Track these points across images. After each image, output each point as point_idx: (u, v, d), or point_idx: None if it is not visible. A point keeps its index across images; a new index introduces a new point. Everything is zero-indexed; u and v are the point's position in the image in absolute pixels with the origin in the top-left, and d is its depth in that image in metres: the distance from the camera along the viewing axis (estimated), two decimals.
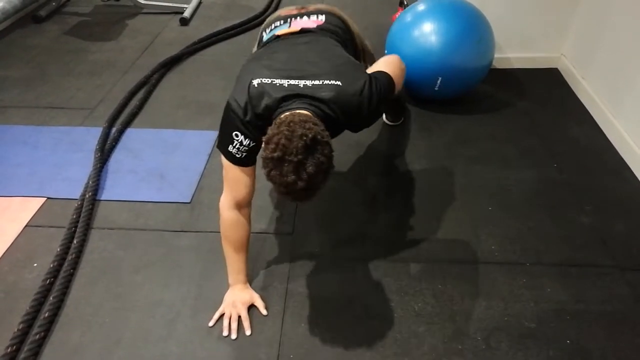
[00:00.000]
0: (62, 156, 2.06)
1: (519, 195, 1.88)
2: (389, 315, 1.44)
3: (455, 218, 1.77)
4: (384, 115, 2.26)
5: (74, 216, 1.75)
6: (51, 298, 1.48)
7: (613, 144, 2.13)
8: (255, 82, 1.25)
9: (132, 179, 1.95)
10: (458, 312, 1.45)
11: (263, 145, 1.13)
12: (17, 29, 3.19)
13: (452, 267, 1.59)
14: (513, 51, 2.68)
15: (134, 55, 2.89)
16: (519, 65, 2.71)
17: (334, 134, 1.27)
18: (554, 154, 2.08)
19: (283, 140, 1.07)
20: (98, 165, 1.96)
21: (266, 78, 1.26)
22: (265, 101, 1.22)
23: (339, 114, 1.25)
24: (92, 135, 2.15)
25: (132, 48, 2.97)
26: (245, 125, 1.25)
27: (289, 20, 1.55)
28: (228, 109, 1.28)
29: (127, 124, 2.26)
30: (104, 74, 2.68)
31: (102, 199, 1.86)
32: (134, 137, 2.19)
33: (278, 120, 1.14)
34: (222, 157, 1.33)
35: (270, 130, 1.12)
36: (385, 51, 2.41)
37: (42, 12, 3.30)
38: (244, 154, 1.29)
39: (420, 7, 2.31)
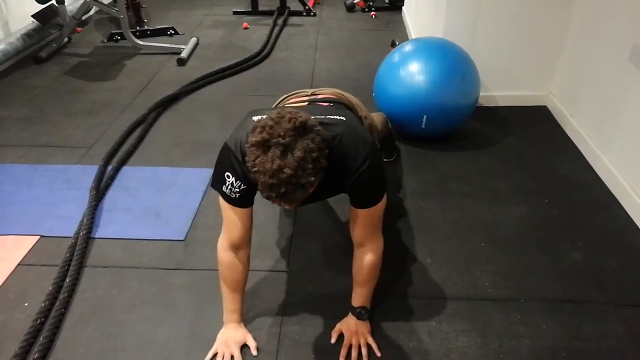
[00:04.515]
0: (57, 194, 2.07)
1: (511, 231, 1.89)
2: (384, 354, 1.42)
3: (448, 254, 1.78)
4: None
5: (67, 254, 1.74)
6: (41, 338, 1.45)
7: (602, 179, 2.16)
8: (257, 117, 1.19)
9: (127, 217, 1.96)
10: (453, 350, 1.43)
11: (249, 135, 1.06)
12: (18, 69, 3.26)
13: (447, 304, 1.58)
14: (501, 90, 2.76)
15: (132, 95, 2.94)
16: (508, 103, 2.78)
17: (329, 177, 1.16)
18: (545, 190, 2.11)
19: (270, 123, 1.03)
20: (93, 203, 1.97)
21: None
22: None
23: (338, 149, 1.19)
24: (88, 174, 2.17)
25: (129, 88, 3.03)
26: (241, 165, 1.20)
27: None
28: (224, 147, 1.27)
29: (124, 162, 2.29)
30: (102, 113, 2.73)
31: (96, 236, 1.85)
32: (130, 175, 2.21)
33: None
34: (219, 196, 1.32)
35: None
36: (373, 93, 2.48)
37: (43, 53, 3.38)
38: (237, 194, 1.26)
39: (407, 48, 2.40)
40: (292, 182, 1.02)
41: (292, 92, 1.68)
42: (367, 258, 1.39)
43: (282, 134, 1.02)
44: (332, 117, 1.29)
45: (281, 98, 1.68)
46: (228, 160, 1.25)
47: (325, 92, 1.62)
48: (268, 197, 1.07)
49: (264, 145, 1.02)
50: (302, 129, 1.04)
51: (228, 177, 1.25)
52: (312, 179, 1.04)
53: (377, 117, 2.07)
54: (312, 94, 1.61)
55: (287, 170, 1.00)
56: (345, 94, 1.68)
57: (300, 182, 1.02)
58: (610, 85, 2.16)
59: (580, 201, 2.05)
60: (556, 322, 1.52)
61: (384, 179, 1.33)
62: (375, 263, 1.40)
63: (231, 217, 1.33)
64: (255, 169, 1.03)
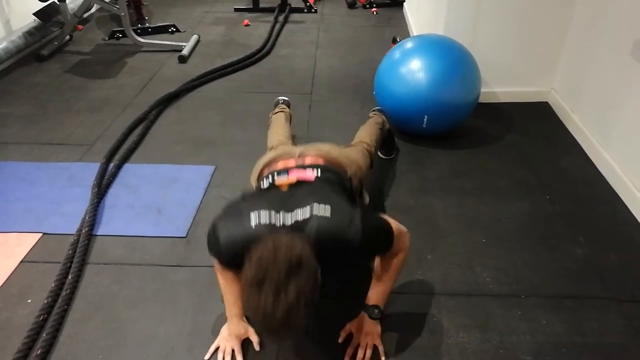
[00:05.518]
0: (59, 192, 2.08)
1: (513, 227, 1.89)
2: (384, 350, 1.42)
3: (449, 250, 1.78)
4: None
5: (70, 251, 1.75)
6: (44, 335, 1.46)
7: (603, 175, 2.16)
8: (254, 216, 1.26)
9: (128, 214, 1.96)
10: (453, 346, 1.44)
11: (246, 264, 1.12)
12: (20, 67, 3.26)
13: (447, 300, 1.59)
14: (503, 86, 2.75)
15: (133, 93, 2.95)
16: (510, 99, 2.78)
17: (329, 268, 1.20)
18: (546, 186, 2.11)
19: (267, 255, 1.08)
20: (95, 201, 1.98)
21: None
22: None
23: (334, 245, 1.23)
24: (90, 171, 2.18)
25: (131, 85, 3.04)
26: (227, 259, 1.33)
27: (287, 171, 1.47)
28: (213, 236, 1.30)
29: (125, 159, 2.29)
30: (103, 111, 2.73)
31: (98, 234, 1.86)
32: (132, 172, 2.22)
33: (264, 240, 1.13)
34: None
35: (254, 251, 1.12)
36: (374, 91, 2.47)
37: (45, 51, 3.39)
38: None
39: (408, 45, 2.39)
40: (283, 326, 1.08)
41: (280, 154, 1.58)
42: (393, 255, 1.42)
43: (276, 275, 1.06)
44: (319, 205, 1.25)
45: (269, 158, 1.58)
46: (215, 248, 1.32)
47: (312, 154, 1.54)
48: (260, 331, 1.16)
49: (258, 284, 1.07)
50: (297, 266, 1.08)
51: (214, 257, 1.38)
52: (303, 322, 1.10)
53: (371, 127, 2.06)
54: (300, 156, 1.53)
55: (279, 315, 1.06)
56: (333, 151, 1.60)
57: (291, 325, 1.08)
58: (612, 80, 2.16)
59: (582, 197, 2.05)
60: (557, 317, 1.52)
61: (385, 227, 1.34)
62: (400, 259, 1.42)
63: (224, 275, 1.46)
64: (249, 304, 1.11)
